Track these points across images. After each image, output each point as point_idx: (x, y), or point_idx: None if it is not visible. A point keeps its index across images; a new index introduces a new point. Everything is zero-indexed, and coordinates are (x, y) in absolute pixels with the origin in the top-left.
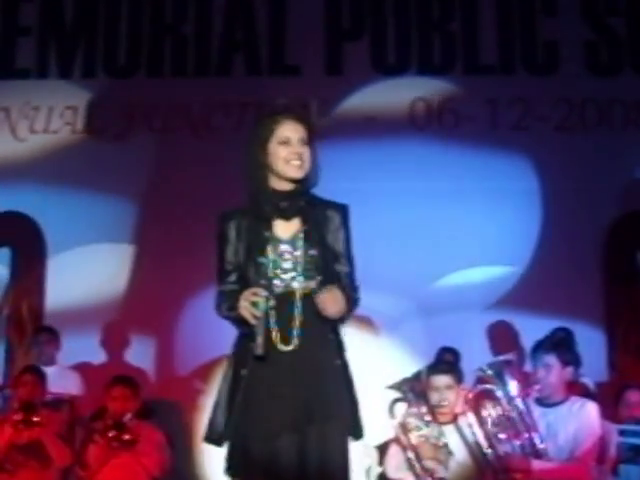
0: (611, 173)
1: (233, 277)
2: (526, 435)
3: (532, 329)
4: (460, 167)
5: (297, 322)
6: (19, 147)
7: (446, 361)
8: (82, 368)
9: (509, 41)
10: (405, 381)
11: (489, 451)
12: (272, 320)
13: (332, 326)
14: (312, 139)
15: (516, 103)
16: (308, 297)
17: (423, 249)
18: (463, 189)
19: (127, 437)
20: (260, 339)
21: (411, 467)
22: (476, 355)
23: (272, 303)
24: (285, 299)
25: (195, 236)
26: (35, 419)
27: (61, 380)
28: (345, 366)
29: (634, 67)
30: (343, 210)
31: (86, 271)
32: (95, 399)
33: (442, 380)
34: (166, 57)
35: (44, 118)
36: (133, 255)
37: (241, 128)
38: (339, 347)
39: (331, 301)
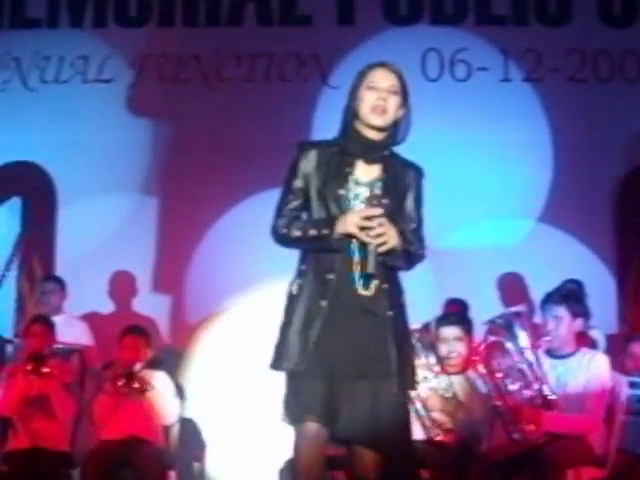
0: (624, 125)
1: (297, 203)
2: (536, 386)
3: (542, 281)
4: (472, 119)
5: (374, 268)
6: (30, 97)
7: (454, 312)
8: (89, 318)
9: None
10: (414, 332)
11: (499, 403)
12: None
13: (387, 275)
14: (406, 92)
15: (529, 54)
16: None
17: (433, 201)
18: (474, 141)
19: (137, 385)
20: (372, 259)
21: (419, 419)
22: (486, 307)
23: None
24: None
25: (205, 185)
26: (45, 370)
27: (69, 330)
28: (397, 318)
29: None
30: (419, 171)
31: (97, 221)
32: (105, 349)
33: (451, 331)
34: (177, 7)
35: (55, 68)
36: (144, 204)
37: (252, 78)
38: (392, 298)
39: (381, 230)
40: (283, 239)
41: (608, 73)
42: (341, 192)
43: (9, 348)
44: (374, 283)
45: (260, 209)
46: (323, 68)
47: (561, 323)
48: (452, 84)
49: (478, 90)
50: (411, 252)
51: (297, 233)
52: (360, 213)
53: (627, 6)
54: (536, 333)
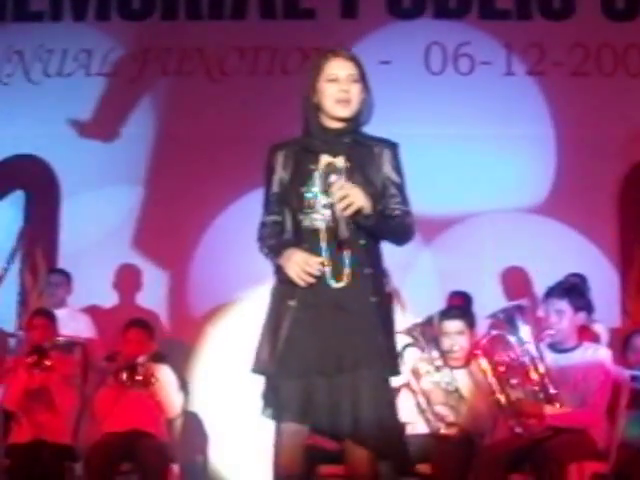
0: (627, 119)
1: (276, 208)
2: (538, 380)
3: (545, 275)
4: (475, 112)
5: (346, 260)
6: (33, 90)
7: (457, 306)
8: (93, 311)
9: None
10: (416, 326)
11: (501, 396)
12: (325, 254)
13: (370, 261)
14: (365, 77)
15: (532, 48)
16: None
17: (436, 195)
18: (477, 135)
19: (140, 378)
20: (342, 224)
21: (422, 412)
22: (489, 300)
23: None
24: (329, 232)
25: (209, 178)
26: (47, 363)
27: (72, 322)
28: (381, 304)
29: None
30: (392, 146)
31: (100, 214)
32: (107, 342)
33: (454, 325)
34: (180, 0)
35: (58, 61)
36: (147, 197)
37: (255, 72)
38: (376, 284)
39: (343, 193)
40: (260, 250)
41: (611, 67)
42: (303, 190)
43: (12, 341)
44: (346, 272)
45: None
46: None
47: (564, 317)
48: (455, 78)
49: (481, 84)
50: (389, 215)
51: (264, 251)
52: (301, 263)
53: (630, 0)
54: (539, 327)
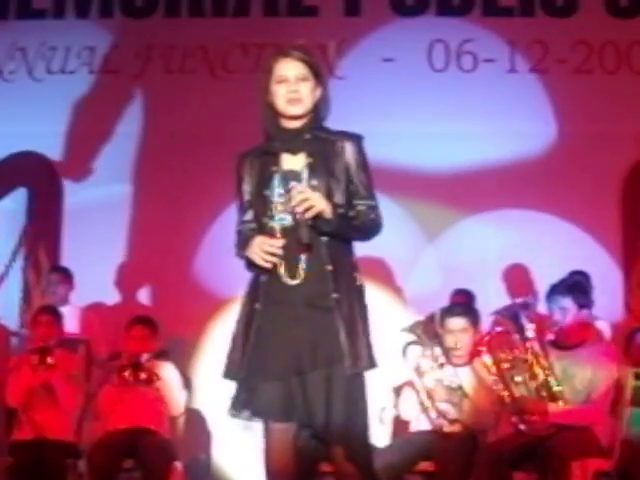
0: (630, 116)
1: (249, 215)
2: (542, 378)
3: (548, 272)
4: (478, 110)
5: (302, 256)
6: (36, 87)
7: (460, 303)
8: (96, 308)
9: None
10: (419, 324)
11: (505, 394)
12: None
13: (331, 257)
14: (318, 73)
15: (535, 45)
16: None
17: (440, 191)
18: (481, 132)
19: (143, 376)
20: (303, 229)
21: (425, 409)
22: (492, 298)
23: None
24: (290, 232)
25: (211, 176)
26: (50, 361)
27: (74, 320)
28: (342, 301)
29: None
30: (355, 140)
31: (103, 211)
32: (110, 340)
33: (457, 323)
34: None
35: (61, 58)
36: (149, 194)
37: (258, 69)
38: (339, 280)
39: (303, 197)
40: (236, 256)
41: (614, 64)
42: (266, 193)
43: (14, 339)
44: (301, 270)
45: None
46: (329, 59)
47: (567, 314)
48: (458, 75)
49: (484, 81)
50: (352, 216)
51: (238, 253)
52: (259, 244)
53: None
54: (542, 324)
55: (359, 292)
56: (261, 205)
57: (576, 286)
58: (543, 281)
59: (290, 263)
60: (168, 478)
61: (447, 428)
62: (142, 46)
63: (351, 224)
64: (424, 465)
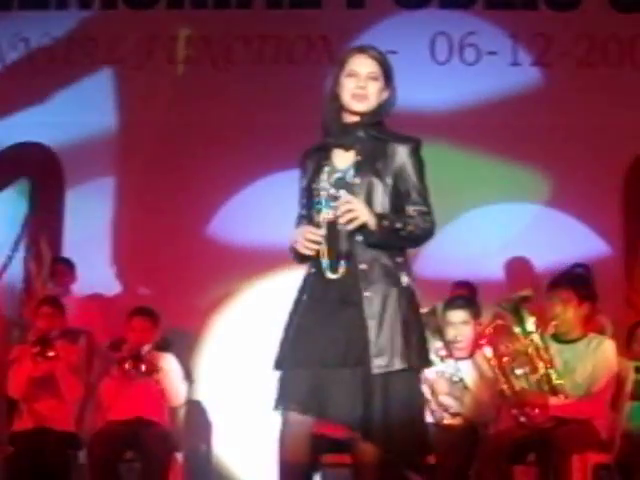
0: (633, 110)
1: (303, 211)
2: (543, 371)
3: (550, 265)
4: (481, 102)
5: (344, 251)
6: (39, 77)
7: (462, 296)
8: (98, 299)
9: None
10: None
11: (505, 387)
12: (323, 248)
13: (367, 256)
14: (388, 76)
15: (538, 39)
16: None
17: (440, 185)
18: (482, 125)
19: (144, 368)
20: (343, 237)
21: (426, 402)
22: (494, 291)
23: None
24: (334, 227)
25: (211, 166)
26: (50, 354)
27: (76, 311)
28: (373, 298)
29: None
30: (412, 144)
31: (104, 202)
32: (112, 330)
33: (458, 315)
34: None
35: (64, 49)
36: (152, 184)
37: (261, 61)
38: (370, 277)
39: (347, 207)
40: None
41: (617, 58)
42: (314, 186)
43: (16, 330)
44: (342, 265)
45: (274, 190)
46: (332, 51)
47: (568, 307)
48: (461, 68)
49: (487, 74)
50: (399, 229)
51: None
52: (302, 233)
53: None
54: (543, 317)
55: (403, 293)
56: (309, 198)
57: (577, 279)
58: (544, 274)
59: (332, 259)
60: (169, 469)
61: (448, 421)
62: (145, 37)
63: (398, 235)
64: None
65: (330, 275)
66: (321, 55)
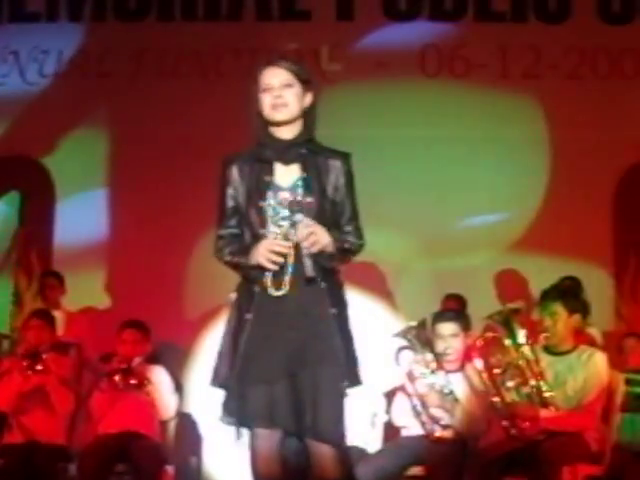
0: (621, 122)
1: (233, 221)
2: (534, 383)
3: (541, 277)
4: (470, 115)
5: (289, 268)
6: (29, 91)
7: (451, 309)
8: (87, 312)
9: None
10: (411, 329)
11: (496, 399)
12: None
13: (324, 275)
14: (305, 80)
15: (527, 51)
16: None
17: (432, 197)
18: (473, 137)
19: (134, 382)
20: (307, 261)
21: (417, 415)
22: (484, 303)
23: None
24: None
25: (203, 180)
26: (39, 367)
27: (66, 324)
28: (340, 315)
29: None
30: (346, 158)
31: (95, 215)
32: (102, 343)
33: (448, 328)
34: (176, 1)
35: (54, 62)
36: (142, 199)
37: (251, 74)
38: (333, 296)
39: (310, 231)
40: (220, 262)
41: (606, 70)
42: (261, 204)
43: (5, 343)
44: (286, 279)
45: None
46: (322, 64)
47: (558, 320)
48: (451, 80)
49: (476, 86)
50: (346, 249)
51: (227, 258)
52: (267, 245)
53: (626, 3)
54: (534, 330)
55: (347, 309)
56: (255, 215)
57: (567, 291)
58: (535, 286)
59: (276, 276)
60: None
61: (439, 433)
62: (135, 50)
63: (343, 253)
64: (415, 470)
65: (273, 292)
66: (311, 68)
